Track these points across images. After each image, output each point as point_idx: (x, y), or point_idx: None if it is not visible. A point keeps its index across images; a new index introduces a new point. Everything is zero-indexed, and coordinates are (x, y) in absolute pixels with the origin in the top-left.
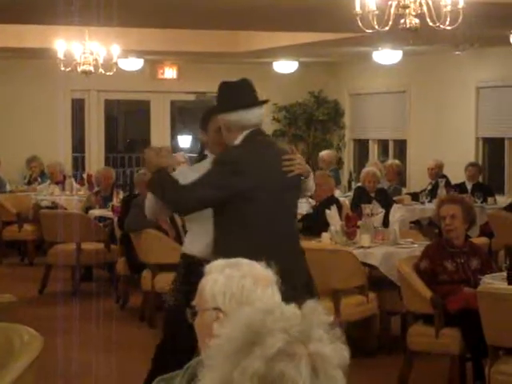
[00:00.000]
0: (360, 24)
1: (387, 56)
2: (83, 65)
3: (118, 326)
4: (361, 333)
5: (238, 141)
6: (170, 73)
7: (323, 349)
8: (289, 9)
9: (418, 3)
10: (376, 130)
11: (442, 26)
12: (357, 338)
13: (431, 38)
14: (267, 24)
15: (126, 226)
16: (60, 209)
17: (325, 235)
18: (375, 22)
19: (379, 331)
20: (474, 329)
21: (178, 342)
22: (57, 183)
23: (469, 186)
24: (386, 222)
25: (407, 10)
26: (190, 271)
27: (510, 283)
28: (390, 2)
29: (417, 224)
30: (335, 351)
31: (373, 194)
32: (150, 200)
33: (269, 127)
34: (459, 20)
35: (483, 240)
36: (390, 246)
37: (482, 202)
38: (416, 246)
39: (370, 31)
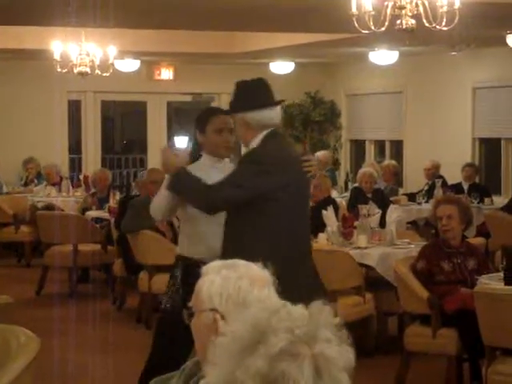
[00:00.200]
0: (356, 25)
1: (383, 56)
2: (79, 66)
3: (114, 328)
4: (358, 333)
5: (257, 139)
6: (166, 74)
7: (328, 350)
8: (285, 9)
9: (414, 4)
10: (372, 130)
11: (438, 27)
12: (354, 339)
13: (427, 39)
14: (264, 25)
15: (122, 227)
16: (57, 210)
17: (321, 236)
18: (371, 23)
19: (376, 332)
20: (470, 329)
21: (175, 344)
22: (53, 184)
23: (465, 187)
24: (382, 223)
25: (403, 11)
26: (188, 273)
27: (506, 284)
28: (386, 3)
29: (413, 224)
30: (341, 353)
31: (369, 195)
32: (164, 199)
33: None
34: (455, 21)
35: (480, 240)
36: (387, 247)
37: (478, 203)
38: (413, 246)
39: (367, 32)
